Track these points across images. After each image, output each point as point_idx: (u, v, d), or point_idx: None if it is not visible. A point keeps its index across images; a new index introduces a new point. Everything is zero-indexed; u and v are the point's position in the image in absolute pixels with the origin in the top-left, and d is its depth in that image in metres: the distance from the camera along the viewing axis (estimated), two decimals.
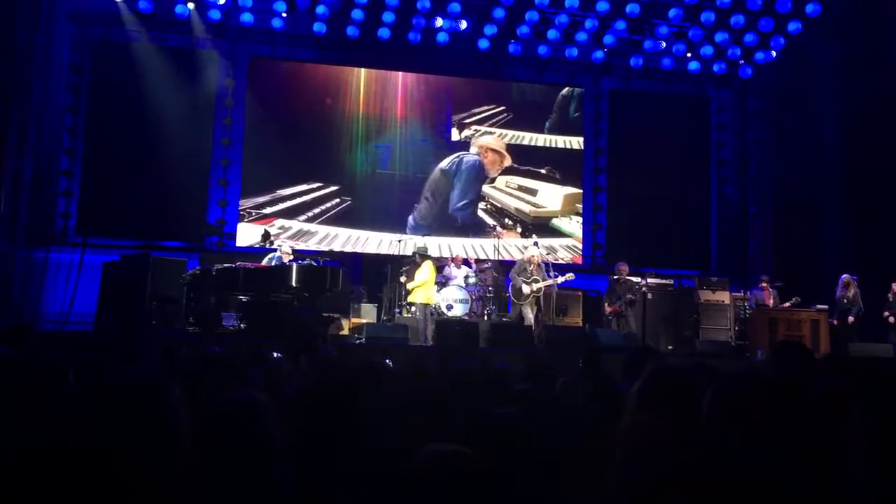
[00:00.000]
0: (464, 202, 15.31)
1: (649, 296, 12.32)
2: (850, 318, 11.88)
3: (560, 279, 12.03)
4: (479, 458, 1.88)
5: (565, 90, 16.03)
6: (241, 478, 1.91)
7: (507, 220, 15.43)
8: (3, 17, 11.54)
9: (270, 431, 2.00)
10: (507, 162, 15.54)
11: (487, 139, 15.55)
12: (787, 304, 12.36)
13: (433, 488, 1.79)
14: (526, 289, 11.92)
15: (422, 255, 12.19)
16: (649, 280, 12.67)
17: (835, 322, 11.81)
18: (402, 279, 12.49)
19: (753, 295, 13.04)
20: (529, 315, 11.89)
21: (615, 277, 12.64)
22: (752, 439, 2.17)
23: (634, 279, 12.59)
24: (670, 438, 1.72)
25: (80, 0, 13.42)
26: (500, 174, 15.55)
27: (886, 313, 11.75)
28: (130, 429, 1.69)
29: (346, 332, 11.99)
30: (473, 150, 15.49)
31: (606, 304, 12.54)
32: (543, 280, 11.96)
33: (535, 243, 13.14)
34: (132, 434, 1.69)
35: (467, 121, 15.50)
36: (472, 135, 15.51)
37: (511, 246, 15.17)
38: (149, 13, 13.57)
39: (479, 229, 15.29)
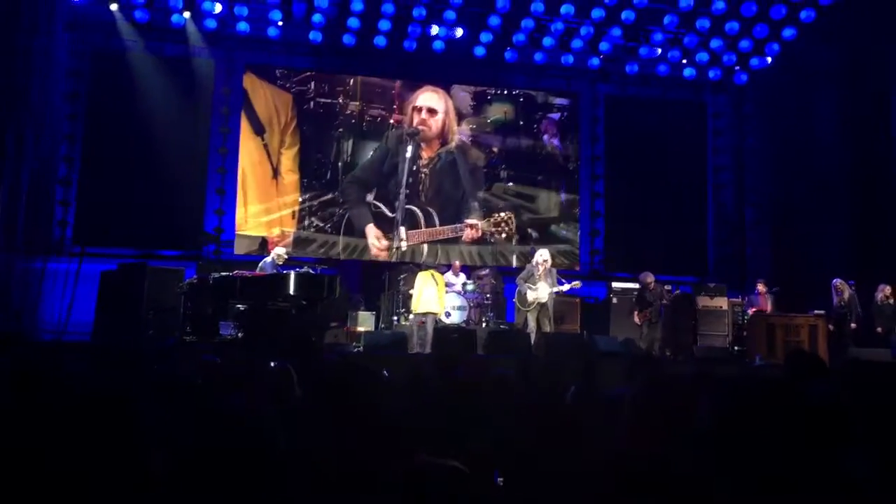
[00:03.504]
0: (460, 199, 15.18)
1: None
2: (853, 325, 11.85)
3: (566, 286, 11.79)
4: (468, 471, 1.89)
5: (561, 97, 16.05)
6: (243, 487, 1.92)
7: (504, 226, 15.37)
8: (2, 25, 11.55)
9: (273, 441, 2.00)
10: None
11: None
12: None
13: (419, 499, 1.80)
14: (531, 295, 11.67)
15: (416, 264, 12.23)
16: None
17: (831, 328, 11.77)
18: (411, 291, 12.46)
19: (749, 300, 13.05)
20: (532, 322, 11.69)
21: (643, 287, 12.41)
22: (749, 444, 2.18)
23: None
24: None
25: (78, 9, 13.42)
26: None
27: (880, 329, 11.69)
28: (88, 442, 1.69)
29: (343, 340, 11.98)
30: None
31: (636, 314, 12.32)
32: (551, 287, 11.75)
33: (533, 250, 13.10)
34: (90, 447, 1.69)
35: (463, 126, 15.48)
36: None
37: (509, 253, 15.17)
38: (145, 22, 13.61)
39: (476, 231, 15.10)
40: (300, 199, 14.73)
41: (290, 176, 14.81)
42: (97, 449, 1.73)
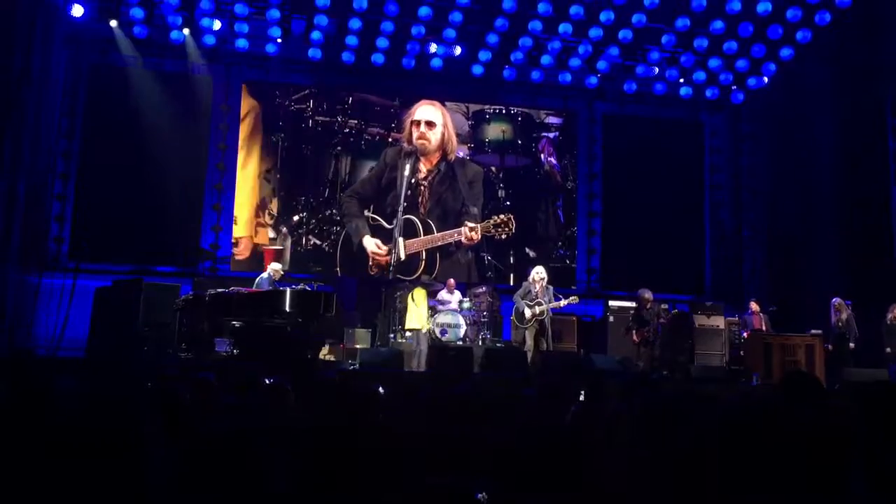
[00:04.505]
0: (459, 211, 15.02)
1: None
2: (851, 345, 11.82)
3: (564, 302, 11.74)
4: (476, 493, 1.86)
5: (559, 115, 16.07)
6: None
7: (504, 227, 15.05)
8: None
9: (266, 461, 1.97)
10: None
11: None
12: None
13: None
14: (528, 312, 11.63)
15: (412, 282, 12.26)
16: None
17: (829, 347, 11.75)
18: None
19: (743, 319, 13.03)
20: (529, 340, 11.61)
21: (640, 305, 12.25)
22: (752, 465, 2.16)
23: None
24: None
25: (76, 25, 13.41)
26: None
27: (889, 350, 11.60)
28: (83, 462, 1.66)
29: (339, 357, 11.94)
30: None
31: (633, 334, 12.15)
32: (548, 303, 11.67)
33: (529, 267, 13.05)
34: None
35: (461, 145, 15.46)
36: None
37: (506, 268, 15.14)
38: (144, 38, 13.60)
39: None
40: (298, 218, 14.72)
41: (286, 191, 14.74)
42: (93, 469, 1.70)
